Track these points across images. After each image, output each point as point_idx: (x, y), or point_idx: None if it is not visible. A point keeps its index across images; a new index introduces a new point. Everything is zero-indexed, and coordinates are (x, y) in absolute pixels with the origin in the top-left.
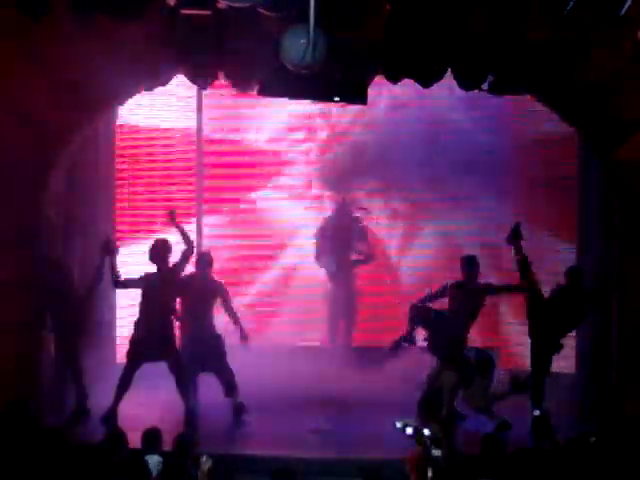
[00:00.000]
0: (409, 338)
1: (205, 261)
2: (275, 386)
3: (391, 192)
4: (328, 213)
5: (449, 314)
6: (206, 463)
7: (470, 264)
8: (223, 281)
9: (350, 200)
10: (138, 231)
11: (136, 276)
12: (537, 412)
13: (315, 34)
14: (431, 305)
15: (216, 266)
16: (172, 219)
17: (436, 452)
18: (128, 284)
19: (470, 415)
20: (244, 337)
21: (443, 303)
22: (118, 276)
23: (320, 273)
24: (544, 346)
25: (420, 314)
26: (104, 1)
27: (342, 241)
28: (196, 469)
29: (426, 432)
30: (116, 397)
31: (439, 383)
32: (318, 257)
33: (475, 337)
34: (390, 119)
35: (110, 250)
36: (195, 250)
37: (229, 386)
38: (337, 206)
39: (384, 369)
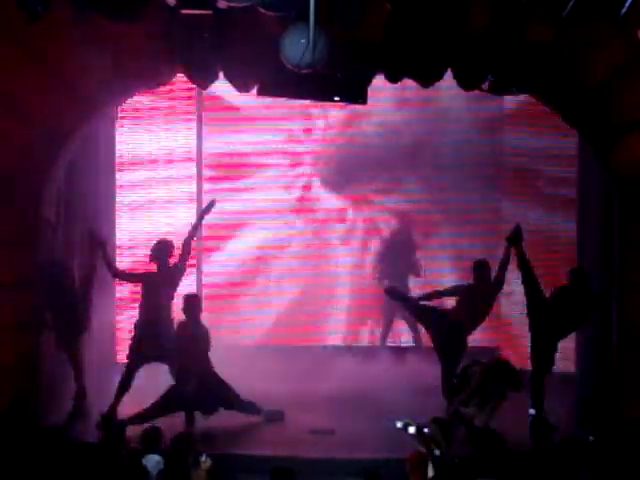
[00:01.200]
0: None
1: (195, 307)
2: (275, 386)
3: (394, 193)
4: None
5: (455, 316)
6: (206, 463)
7: (482, 268)
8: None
9: (407, 219)
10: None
11: (135, 272)
12: (532, 411)
13: (315, 34)
14: (432, 304)
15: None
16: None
17: (437, 452)
18: (126, 276)
19: None
20: None
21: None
22: (113, 266)
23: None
24: (544, 346)
25: (421, 313)
26: (104, 1)
27: (398, 256)
28: (196, 469)
29: (426, 432)
30: (116, 397)
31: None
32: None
33: (475, 337)
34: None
35: (99, 243)
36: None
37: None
38: (398, 224)
39: (386, 369)
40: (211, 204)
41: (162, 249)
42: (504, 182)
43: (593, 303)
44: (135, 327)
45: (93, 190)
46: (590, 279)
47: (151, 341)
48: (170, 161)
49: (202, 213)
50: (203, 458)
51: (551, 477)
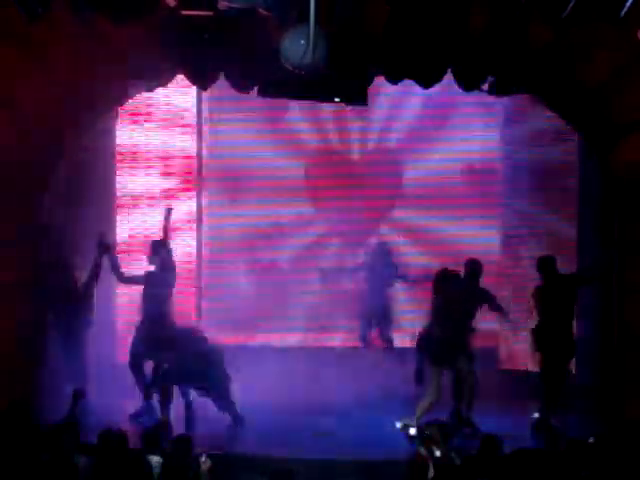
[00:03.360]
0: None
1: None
2: (275, 387)
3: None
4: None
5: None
6: (206, 463)
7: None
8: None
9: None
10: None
11: (139, 273)
12: (536, 415)
13: (315, 35)
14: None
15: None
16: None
17: (437, 453)
18: (132, 280)
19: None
20: None
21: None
22: (120, 271)
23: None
24: (554, 352)
25: None
26: (104, 1)
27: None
28: (196, 469)
29: (426, 433)
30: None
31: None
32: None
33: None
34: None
35: (106, 247)
36: None
37: (233, 418)
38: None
39: (385, 369)
40: (168, 212)
41: (157, 249)
42: (504, 181)
43: (573, 284)
44: (136, 327)
45: (93, 190)
46: (555, 263)
47: (151, 340)
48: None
49: (165, 225)
50: (203, 458)
51: (551, 478)
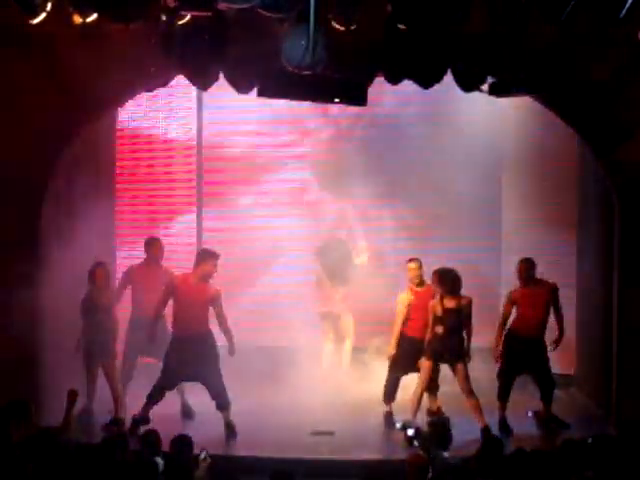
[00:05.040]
0: None
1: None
2: (274, 387)
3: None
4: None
5: None
6: (205, 460)
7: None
8: (220, 289)
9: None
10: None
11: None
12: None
13: (315, 35)
14: None
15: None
16: None
17: (434, 453)
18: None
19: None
20: (231, 351)
21: None
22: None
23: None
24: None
25: None
26: (104, 1)
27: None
28: (196, 467)
29: (424, 433)
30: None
31: None
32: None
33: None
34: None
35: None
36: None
37: (218, 401)
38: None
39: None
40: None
41: (149, 246)
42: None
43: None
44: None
45: (93, 190)
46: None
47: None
48: (170, 164)
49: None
50: (202, 455)
51: (551, 478)
